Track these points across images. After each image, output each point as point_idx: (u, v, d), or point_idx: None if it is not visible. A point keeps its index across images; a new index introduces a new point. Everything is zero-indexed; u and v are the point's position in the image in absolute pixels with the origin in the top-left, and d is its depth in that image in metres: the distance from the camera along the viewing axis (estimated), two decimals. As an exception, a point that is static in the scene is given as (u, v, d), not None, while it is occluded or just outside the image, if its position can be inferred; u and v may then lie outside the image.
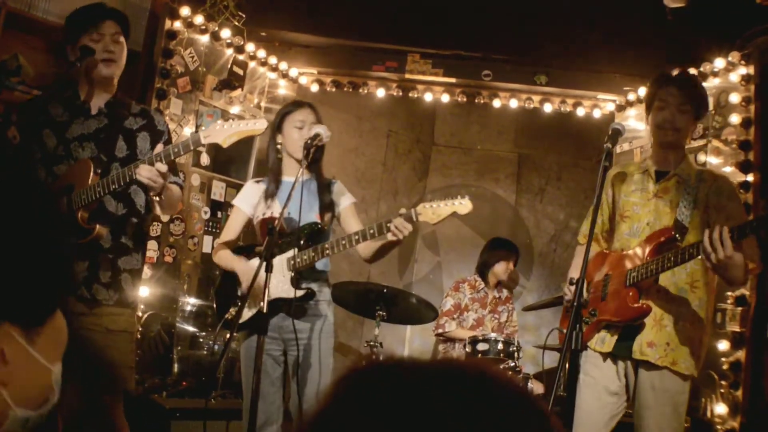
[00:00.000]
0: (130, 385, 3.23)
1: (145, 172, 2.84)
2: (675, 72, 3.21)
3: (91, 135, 3.13)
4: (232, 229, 3.60)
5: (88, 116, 3.16)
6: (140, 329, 4.66)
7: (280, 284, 3.26)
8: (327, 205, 3.46)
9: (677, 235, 3.03)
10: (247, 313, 3.33)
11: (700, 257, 2.78)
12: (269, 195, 3.48)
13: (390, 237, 3.12)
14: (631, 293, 2.99)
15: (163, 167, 2.86)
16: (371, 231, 3.14)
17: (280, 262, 3.29)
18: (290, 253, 3.29)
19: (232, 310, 3.36)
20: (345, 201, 3.53)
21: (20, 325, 0.99)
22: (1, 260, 0.96)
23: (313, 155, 3.40)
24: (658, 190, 3.16)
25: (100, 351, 3.06)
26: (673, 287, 3.04)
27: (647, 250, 3.03)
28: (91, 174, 2.96)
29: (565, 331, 3.20)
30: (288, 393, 3.45)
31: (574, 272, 3.23)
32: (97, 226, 2.98)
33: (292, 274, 3.26)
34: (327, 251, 3.20)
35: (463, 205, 3.08)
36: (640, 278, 2.97)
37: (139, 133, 3.21)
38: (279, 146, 3.46)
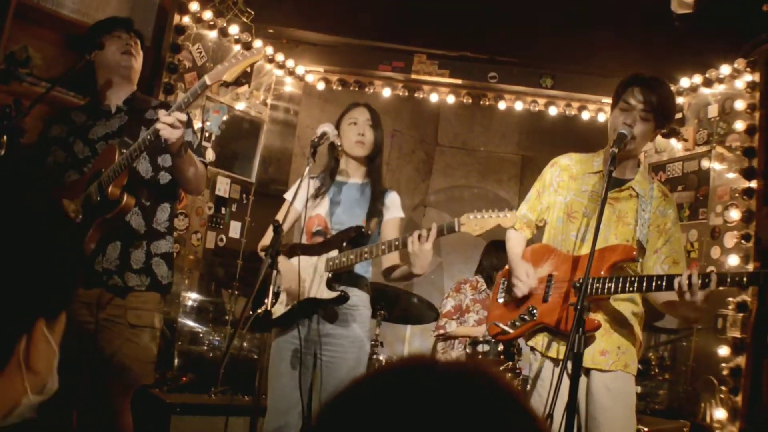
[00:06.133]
0: (148, 380, 3.25)
1: (164, 118, 2.84)
2: (647, 75, 3.02)
3: (116, 132, 3.22)
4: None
5: (110, 116, 3.27)
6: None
7: (316, 285, 3.24)
8: (375, 212, 3.39)
9: (639, 258, 2.98)
10: (280, 309, 3.29)
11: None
12: (319, 194, 3.44)
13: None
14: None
15: (182, 116, 2.87)
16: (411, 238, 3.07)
17: (320, 262, 3.26)
18: (330, 254, 3.25)
19: (268, 305, 3.29)
20: (393, 213, 3.45)
21: (46, 316, 1.00)
22: (29, 257, 0.97)
23: (372, 158, 3.45)
24: (610, 198, 2.98)
25: (119, 345, 3.06)
26: (621, 295, 2.97)
27: (605, 266, 2.91)
28: (117, 155, 3.01)
29: (500, 325, 3.19)
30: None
31: (518, 264, 3.17)
32: (125, 196, 2.99)
33: (329, 275, 3.22)
34: (365, 255, 3.14)
35: (508, 218, 2.97)
36: (596, 294, 2.86)
37: None
38: (339, 147, 3.39)
